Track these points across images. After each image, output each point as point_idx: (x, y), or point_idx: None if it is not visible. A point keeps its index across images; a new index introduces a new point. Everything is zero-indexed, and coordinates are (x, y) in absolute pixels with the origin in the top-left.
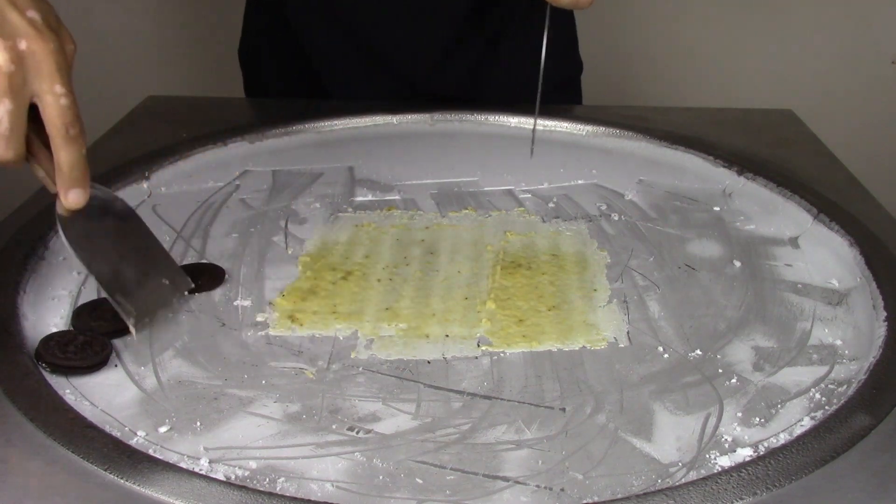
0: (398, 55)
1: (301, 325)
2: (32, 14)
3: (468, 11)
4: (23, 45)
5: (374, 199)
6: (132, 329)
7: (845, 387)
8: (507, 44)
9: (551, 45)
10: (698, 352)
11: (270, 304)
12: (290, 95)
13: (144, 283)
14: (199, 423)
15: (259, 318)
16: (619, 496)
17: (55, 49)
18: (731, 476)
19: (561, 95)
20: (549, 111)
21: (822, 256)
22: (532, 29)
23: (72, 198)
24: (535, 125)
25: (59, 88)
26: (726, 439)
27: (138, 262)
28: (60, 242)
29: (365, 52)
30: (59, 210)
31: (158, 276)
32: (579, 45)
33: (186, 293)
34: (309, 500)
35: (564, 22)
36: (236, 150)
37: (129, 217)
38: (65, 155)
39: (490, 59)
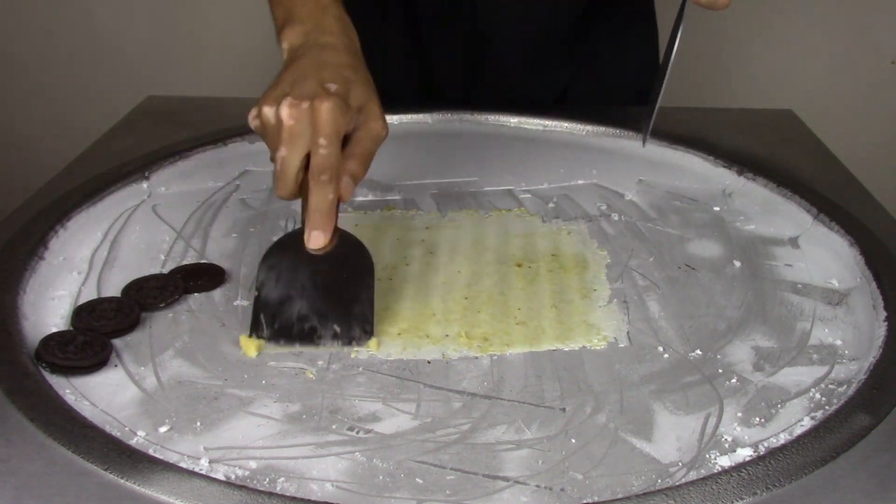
0: (506, 60)
1: None
2: (331, 86)
3: (578, 22)
4: (305, 104)
5: (374, 199)
6: (253, 338)
7: (845, 387)
8: (596, 63)
9: (638, 56)
10: (698, 352)
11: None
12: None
13: (308, 318)
14: (199, 423)
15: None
16: (619, 496)
17: (333, 109)
18: (731, 476)
19: (636, 103)
20: (550, 111)
21: (822, 256)
22: (621, 38)
23: (312, 238)
24: (654, 113)
25: (322, 141)
26: (726, 439)
27: (319, 302)
28: (62, 239)
29: (474, 58)
30: (290, 238)
31: (331, 321)
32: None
33: (355, 345)
34: (309, 500)
35: (649, 33)
36: (236, 150)
37: (358, 267)
38: (314, 198)
39: (578, 74)
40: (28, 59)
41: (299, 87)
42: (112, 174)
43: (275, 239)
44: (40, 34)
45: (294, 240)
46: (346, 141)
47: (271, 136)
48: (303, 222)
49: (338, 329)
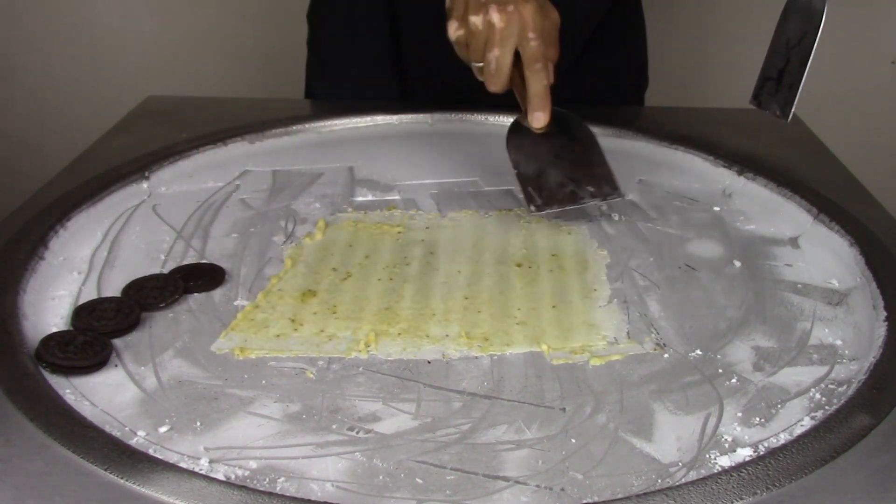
0: None
1: (300, 325)
2: None
3: (594, 25)
4: (511, 8)
5: (374, 199)
6: (534, 210)
7: (845, 387)
8: (586, 57)
9: (629, 63)
10: (698, 352)
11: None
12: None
13: (566, 184)
14: (199, 423)
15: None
16: (619, 496)
17: (534, 9)
18: (731, 476)
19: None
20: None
21: (822, 256)
22: (608, 43)
23: (535, 119)
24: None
25: (531, 35)
26: (726, 439)
27: (568, 169)
28: (62, 239)
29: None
30: (521, 121)
31: (584, 183)
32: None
33: (609, 200)
34: (309, 500)
35: (638, 38)
36: (236, 150)
37: (582, 137)
38: (532, 84)
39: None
40: (28, 59)
41: None
42: (112, 174)
43: (510, 123)
44: (40, 34)
45: (521, 125)
46: None
47: (479, 40)
48: (523, 108)
49: (591, 189)
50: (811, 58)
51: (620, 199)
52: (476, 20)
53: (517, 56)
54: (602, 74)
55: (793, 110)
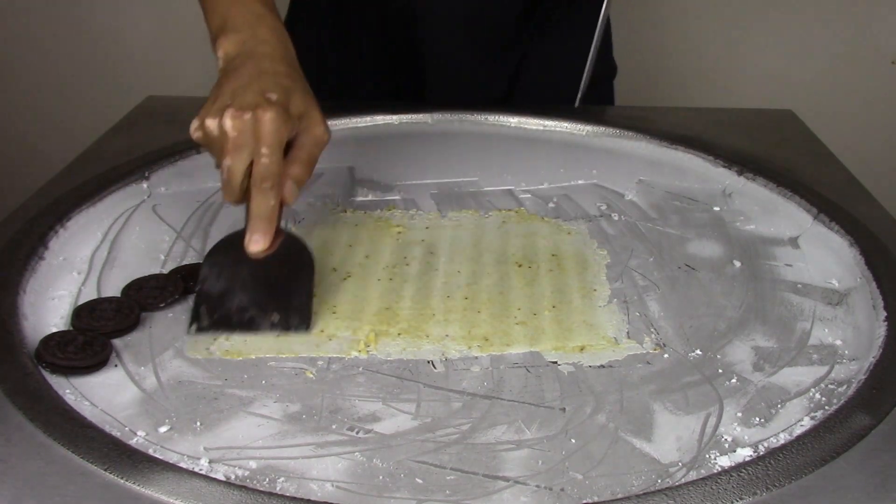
0: (444, 57)
1: None
2: (272, 95)
3: (518, 16)
4: (247, 115)
5: (374, 199)
6: (188, 332)
7: (845, 387)
8: (543, 48)
9: (579, 51)
10: (698, 352)
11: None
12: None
13: (247, 309)
14: (199, 423)
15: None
16: (619, 496)
17: (274, 119)
18: (731, 476)
19: (594, 95)
20: (550, 111)
21: (822, 256)
22: (567, 33)
23: (252, 241)
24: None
25: (264, 150)
26: (726, 439)
27: (259, 296)
28: (62, 239)
29: (411, 54)
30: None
31: (270, 311)
32: (614, 49)
33: (293, 331)
34: (309, 500)
35: (590, 30)
36: None
37: (297, 264)
38: (254, 204)
39: (527, 62)
40: (28, 59)
41: (240, 98)
42: (112, 174)
43: (219, 238)
44: (41, 34)
45: (237, 239)
46: (288, 146)
47: (216, 146)
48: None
49: (276, 319)
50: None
51: (306, 332)
52: (211, 124)
53: None
54: (560, 63)
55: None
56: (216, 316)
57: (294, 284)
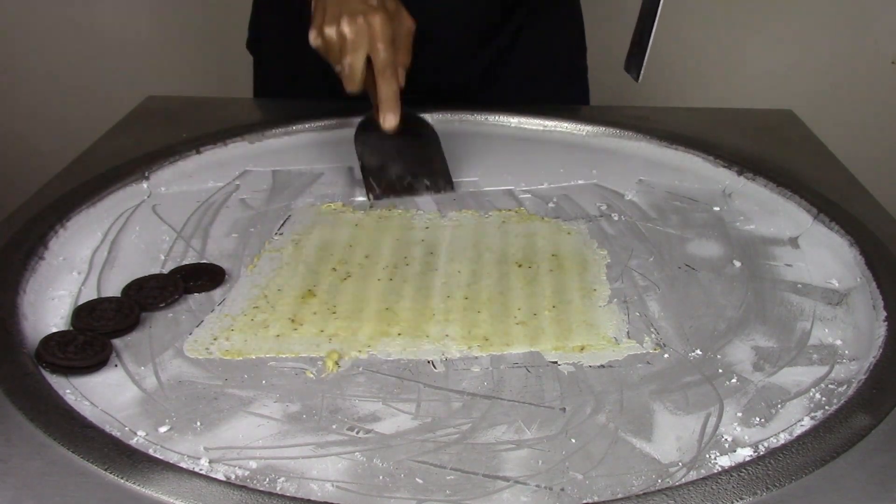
0: (425, 51)
1: (300, 325)
2: (371, 1)
3: (497, 10)
4: (360, 19)
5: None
6: (370, 199)
7: (845, 387)
8: (522, 42)
9: (563, 45)
10: (698, 352)
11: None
12: (298, 95)
13: (404, 177)
14: (199, 423)
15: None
16: (619, 496)
17: (383, 20)
18: (731, 476)
19: (568, 92)
20: (550, 111)
21: (822, 256)
22: (546, 27)
23: (386, 120)
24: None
25: (380, 45)
26: (726, 439)
27: (408, 164)
28: (62, 239)
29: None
30: (371, 119)
31: (421, 176)
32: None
33: (444, 192)
34: (309, 500)
35: (574, 25)
36: (236, 150)
37: (425, 136)
38: (382, 89)
39: (506, 57)
40: (28, 59)
41: (348, 7)
42: (112, 174)
43: (359, 121)
44: (41, 34)
45: (371, 122)
46: None
47: (335, 48)
48: (374, 108)
49: (428, 183)
50: (657, 18)
51: (453, 191)
52: (330, 31)
53: (370, 61)
54: (536, 55)
55: (642, 72)
56: (384, 185)
57: (430, 153)
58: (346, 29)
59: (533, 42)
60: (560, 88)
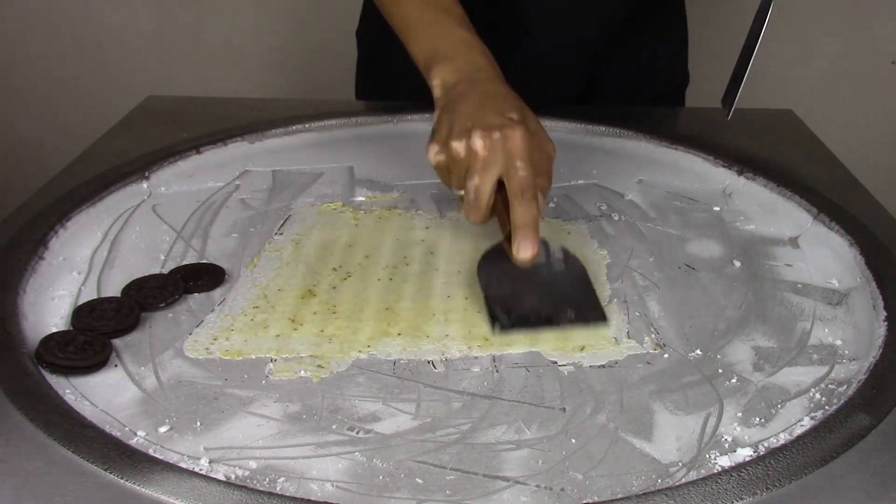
0: (546, 58)
1: (300, 325)
2: (512, 115)
3: (617, 22)
4: (496, 134)
5: (374, 199)
6: (494, 332)
7: (845, 387)
8: (623, 50)
9: (663, 56)
10: (698, 352)
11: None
12: (398, 97)
13: (540, 309)
14: (199, 423)
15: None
16: (619, 496)
17: (523, 136)
18: (731, 476)
19: (666, 104)
20: (549, 111)
21: (822, 256)
22: (646, 37)
23: (522, 249)
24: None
25: (519, 164)
26: (726, 439)
27: (547, 294)
28: (62, 239)
29: (509, 58)
30: (500, 250)
31: (564, 306)
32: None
33: (592, 326)
34: (309, 500)
35: (678, 34)
36: (236, 150)
37: (569, 267)
38: (520, 214)
39: (607, 65)
40: (28, 59)
41: (482, 120)
42: (112, 174)
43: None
44: (41, 34)
45: (499, 251)
46: None
47: (459, 167)
48: (506, 238)
49: (572, 315)
50: (754, 54)
51: (604, 323)
52: (458, 146)
53: (501, 184)
54: (637, 69)
55: (733, 107)
56: (514, 316)
57: (575, 281)
58: (479, 143)
59: (636, 60)
60: (654, 102)
